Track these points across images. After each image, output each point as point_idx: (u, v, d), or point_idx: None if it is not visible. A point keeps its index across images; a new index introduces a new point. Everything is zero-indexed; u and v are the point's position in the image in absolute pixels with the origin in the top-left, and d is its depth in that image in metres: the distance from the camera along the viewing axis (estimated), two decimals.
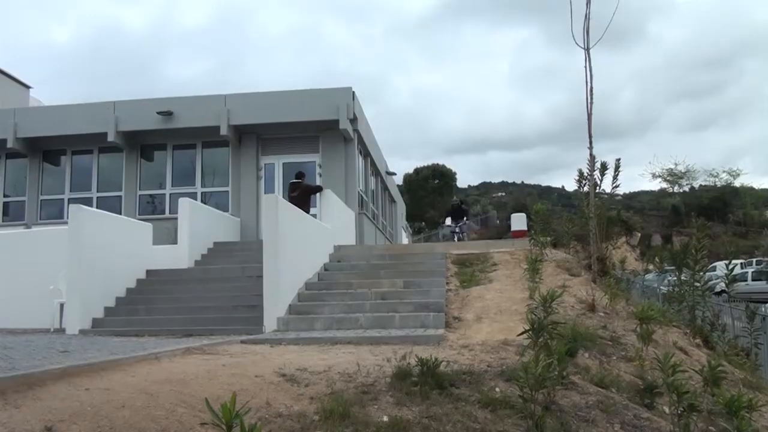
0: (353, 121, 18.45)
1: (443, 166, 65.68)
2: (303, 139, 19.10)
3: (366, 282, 11.89)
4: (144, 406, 4.40)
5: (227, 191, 19.24)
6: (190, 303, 11.87)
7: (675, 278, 10.86)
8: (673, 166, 64.97)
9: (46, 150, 20.51)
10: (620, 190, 11.97)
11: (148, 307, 11.93)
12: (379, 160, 24.53)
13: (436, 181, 63.20)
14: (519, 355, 6.50)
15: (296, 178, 16.07)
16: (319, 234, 13.51)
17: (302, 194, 15.14)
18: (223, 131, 18.35)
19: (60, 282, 11.67)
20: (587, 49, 11.28)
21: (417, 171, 64.85)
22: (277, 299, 10.38)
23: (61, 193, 20.26)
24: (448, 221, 24.27)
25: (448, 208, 25.56)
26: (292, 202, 13.46)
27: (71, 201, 18.01)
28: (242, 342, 8.71)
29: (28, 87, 25.84)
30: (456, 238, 22.59)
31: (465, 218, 23.74)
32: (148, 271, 13.29)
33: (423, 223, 59.09)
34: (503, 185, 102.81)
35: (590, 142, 11.22)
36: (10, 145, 19.48)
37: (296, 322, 10.20)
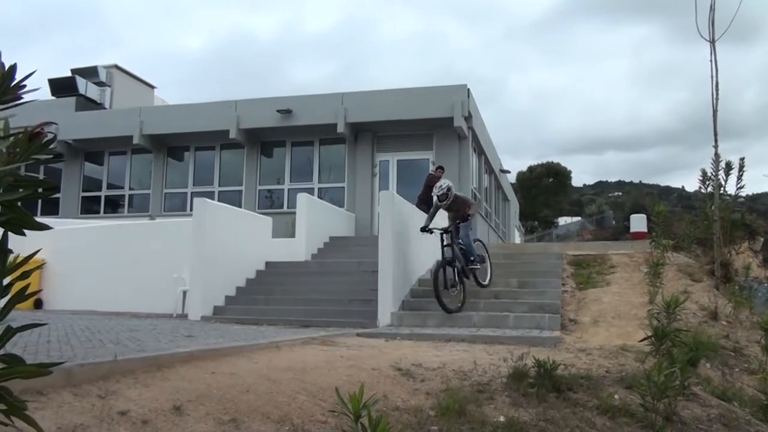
0: (468, 118, 18.35)
1: (558, 165, 63.97)
2: (417, 137, 19.21)
3: None
4: (267, 391, 4.51)
5: (343, 187, 19.61)
6: (307, 295, 12.17)
7: None
8: None
9: (170, 146, 21.61)
10: (743, 192, 11.33)
11: (266, 297, 12.33)
12: (494, 158, 24.29)
13: (551, 180, 61.71)
14: (639, 362, 6.33)
15: (433, 173, 15.43)
16: None
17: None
18: (340, 129, 18.72)
19: (183, 270, 12.24)
20: (712, 42, 10.81)
21: (531, 169, 63.47)
22: (392, 294, 10.48)
23: (184, 186, 21.27)
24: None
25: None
26: (426, 198, 13.41)
27: (194, 194, 18.90)
28: (358, 335, 8.85)
29: (152, 87, 26.93)
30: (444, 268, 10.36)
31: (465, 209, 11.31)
32: (267, 263, 13.68)
33: (536, 222, 58.00)
34: (620, 185, 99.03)
35: (715, 140, 10.73)
36: (136, 141, 20.62)
37: (409, 318, 10.28)
